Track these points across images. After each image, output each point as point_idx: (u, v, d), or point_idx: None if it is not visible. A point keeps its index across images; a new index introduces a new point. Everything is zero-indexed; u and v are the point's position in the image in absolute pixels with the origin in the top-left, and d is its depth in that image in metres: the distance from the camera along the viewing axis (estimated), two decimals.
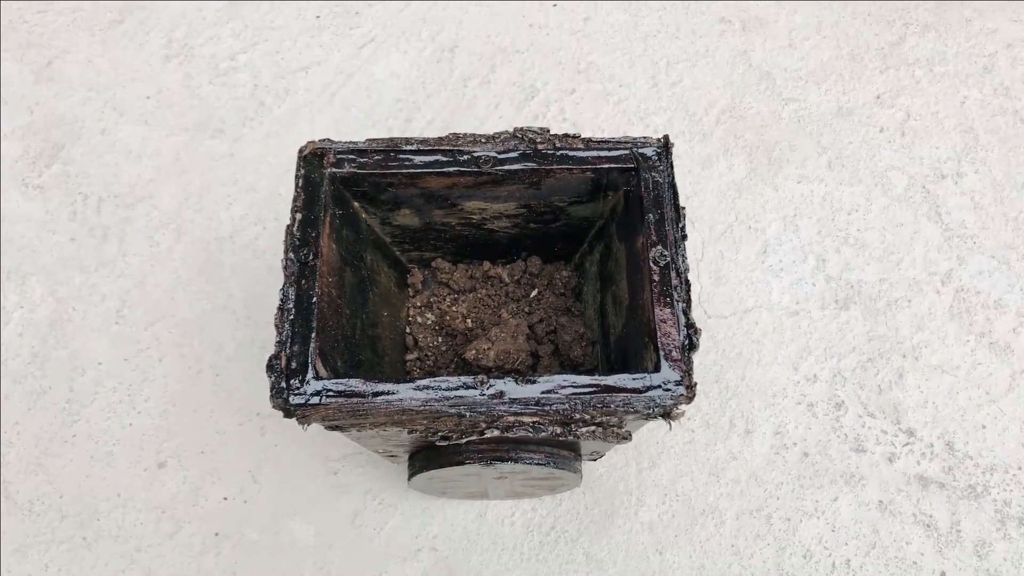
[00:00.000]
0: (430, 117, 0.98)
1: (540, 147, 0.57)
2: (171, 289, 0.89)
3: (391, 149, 0.57)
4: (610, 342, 0.66)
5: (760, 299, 0.89)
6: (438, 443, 0.58)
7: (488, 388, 0.50)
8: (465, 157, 0.57)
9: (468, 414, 0.50)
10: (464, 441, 0.57)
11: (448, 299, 0.72)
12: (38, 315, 0.88)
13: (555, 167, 0.57)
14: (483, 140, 0.57)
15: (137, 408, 0.84)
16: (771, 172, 0.96)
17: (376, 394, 0.50)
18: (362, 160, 0.57)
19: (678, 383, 0.50)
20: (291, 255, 0.53)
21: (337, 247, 0.57)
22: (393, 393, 0.50)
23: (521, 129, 0.57)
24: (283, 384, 0.50)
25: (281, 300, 0.52)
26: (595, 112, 0.99)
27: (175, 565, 0.78)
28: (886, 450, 0.83)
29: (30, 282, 0.89)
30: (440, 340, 0.71)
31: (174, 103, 1.00)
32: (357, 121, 0.98)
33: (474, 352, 0.64)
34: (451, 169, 0.57)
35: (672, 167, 0.57)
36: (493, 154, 0.57)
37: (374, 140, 0.58)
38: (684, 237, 0.55)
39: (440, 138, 0.57)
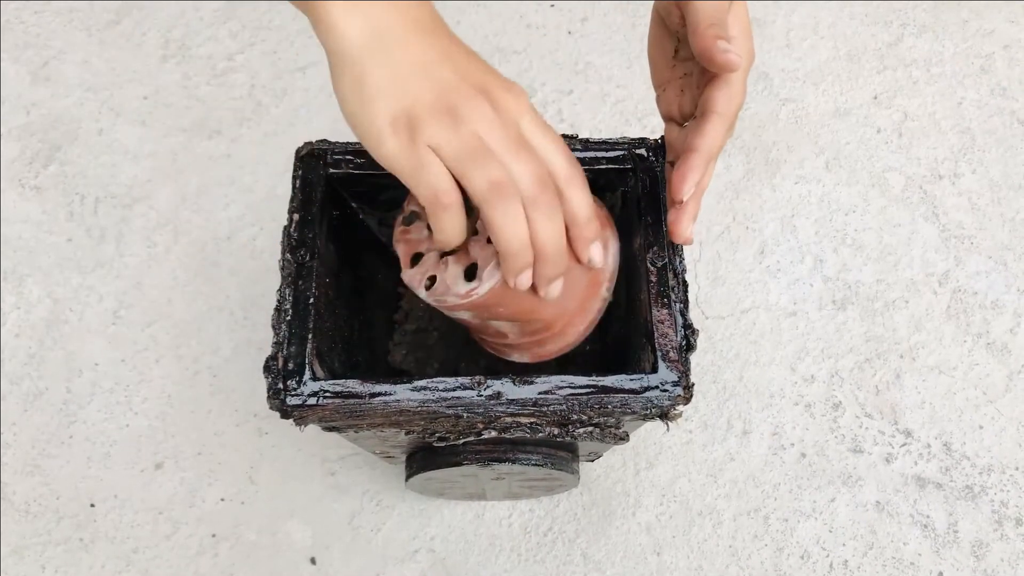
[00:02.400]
0: None
1: None
2: (168, 290, 0.89)
3: None
4: (608, 342, 0.66)
5: (758, 300, 0.89)
6: (435, 444, 0.58)
7: (485, 389, 0.50)
8: None
9: (465, 415, 0.50)
10: (461, 442, 0.57)
11: None
12: (35, 316, 0.88)
13: None
14: None
15: (134, 409, 0.84)
16: (769, 173, 0.96)
17: (373, 395, 0.49)
18: (360, 161, 0.57)
19: (675, 384, 0.50)
20: (288, 256, 0.53)
21: (334, 248, 0.57)
22: (390, 394, 0.50)
23: None
24: (280, 385, 0.50)
25: (278, 301, 0.52)
26: (593, 113, 0.99)
27: (172, 566, 0.78)
28: (883, 451, 0.83)
29: (27, 283, 0.89)
30: None
31: (171, 103, 1.00)
32: None
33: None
34: None
35: None
36: None
37: None
38: None
39: None
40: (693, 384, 0.51)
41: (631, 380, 0.50)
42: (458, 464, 0.61)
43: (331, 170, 0.56)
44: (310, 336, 0.51)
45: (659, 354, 0.51)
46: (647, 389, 0.50)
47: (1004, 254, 0.91)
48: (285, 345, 0.51)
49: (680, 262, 0.54)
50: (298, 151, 0.56)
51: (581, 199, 0.41)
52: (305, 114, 0.99)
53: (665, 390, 0.50)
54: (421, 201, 0.38)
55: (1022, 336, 0.87)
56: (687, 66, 0.48)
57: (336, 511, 0.81)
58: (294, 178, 0.56)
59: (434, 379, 0.50)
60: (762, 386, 0.85)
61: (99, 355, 0.86)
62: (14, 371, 0.85)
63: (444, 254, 0.45)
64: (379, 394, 0.49)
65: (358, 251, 0.62)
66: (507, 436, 0.54)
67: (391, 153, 0.38)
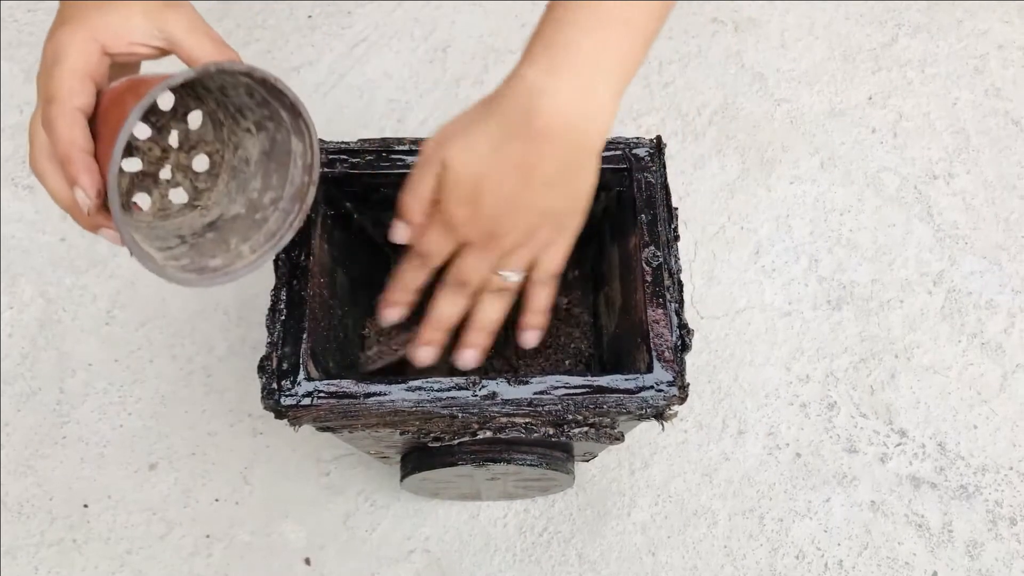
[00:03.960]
0: (423, 117, 0.98)
1: None
2: (162, 289, 0.89)
3: (383, 149, 0.57)
4: (603, 343, 0.66)
5: (752, 300, 0.89)
6: (430, 444, 0.58)
7: (480, 389, 0.50)
8: None
9: (460, 415, 0.50)
10: (456, 442, 0.57)
11: None
12: (28, 316, 0.87)
13: None
14: None
15: (128, 409, 0.84)
16: (764, 173, 0.96)
17: (368, 395, 0.49)
18: (354, 160, 0.57)
19: (671, 384, 0.50)
20: (283, 255, 0.53)
21: (329, 248, 0.57)
22: (385, 394, 0.49)
23: None
24: (274, 385, 0.50)
25: (272, 301, 0.52)
26: None
27: (166, 567, 0.78)
28: (878, 450, 0.83)
29: (20, 282, 0.89)
30: None
31: None
32: (349, 121, 0.98)
33: None
34: None
35: (665, 168, 0.57)
36: None
37: (366, 140, 0.58)
38: (677, 238, 0.55)
39: None
40: (688, 384, 0.51)
41: (626, 380, 0.50)
42: (453, 464, 0.61)
43: (325, 170, 0.56)
44: (305, 336, 0.51)
45: (654, 354, 0.51)
46: (642, 389, 0.50)
47: (998, 254, 0.91)
48: (280, 345, 0.50)
49: (675, 262, 0.54)
50: None
51: None
52: None
53: (660, 390, 0.50)
54: None
55: (1016, 336, 0.87)
56: None
57: (331, 511, 0.81)
58: None
59: (429, 379, 0.50)
60: (757, 386, 0.85)
61: (92, 355, 0.86)
62: (7, 371, 0.85)
63: None
64: (374, 394, 0.49)
65: (353, 251, 0.62)
66: (502, 436, 0.54)
67: None
